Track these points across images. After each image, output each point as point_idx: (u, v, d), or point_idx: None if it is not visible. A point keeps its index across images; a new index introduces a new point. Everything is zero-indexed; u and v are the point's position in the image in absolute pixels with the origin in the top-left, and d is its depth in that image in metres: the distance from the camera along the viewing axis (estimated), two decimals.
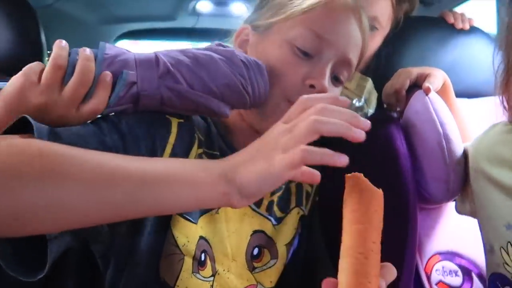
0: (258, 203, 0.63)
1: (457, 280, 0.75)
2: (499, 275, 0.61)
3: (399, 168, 0.65)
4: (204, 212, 0.56)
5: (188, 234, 0.54)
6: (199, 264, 0.55)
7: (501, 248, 0.59)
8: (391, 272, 0.41)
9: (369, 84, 0.92)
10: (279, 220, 0.65)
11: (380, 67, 0.91)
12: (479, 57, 0.89)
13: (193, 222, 0.54)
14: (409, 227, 0.64)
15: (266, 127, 0.45)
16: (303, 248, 0.68)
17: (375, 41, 0.92)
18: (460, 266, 0.77)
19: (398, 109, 0.75)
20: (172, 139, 0.53)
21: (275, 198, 0.65)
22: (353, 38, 0.61)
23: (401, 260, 0.64)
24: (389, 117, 0.72)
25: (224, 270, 0.58)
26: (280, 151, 0.40)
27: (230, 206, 0.42)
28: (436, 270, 0.76)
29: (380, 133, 0.70)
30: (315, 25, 0.59)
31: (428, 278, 0.75)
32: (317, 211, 0.70)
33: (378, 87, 0.85)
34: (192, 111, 0.55)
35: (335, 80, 0.62)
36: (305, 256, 0.68)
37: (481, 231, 0.65)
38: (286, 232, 0.65)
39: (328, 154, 0.40)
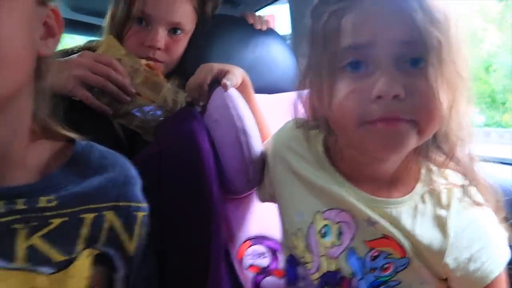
0: (9, 256, 0.44)
1: (265, 261, 0.82)
2: (293, 257, 0.67)
3: (201, 163, 0.67)
4: None
5: None
6: None
7: (292, 234, 0.64)
8: None
9: (181, 97, 0.87)
10: (61, 265, 0.47)
11: (187, 66, 0.92)
12: (275, 56, 0.99)
13: None
14: (214, 217, 0.66)
15: None
16: None
17: (180, 45, 0.94)
18: (268, 248, 0.83)
19: (201, 103, 0.77)
20: None
21: (36, 239, 0.46)
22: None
23: (208, 252, 0.66)
24: (192, 113, 0.73)
25: None
26: None
27: None
28: (248, 255, 0.81)
29: (183, 129, 0.71)
30: None
31: (240, 264, 0.80)
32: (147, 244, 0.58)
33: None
34: None
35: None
36: None
37: (279, 216, 0.70)
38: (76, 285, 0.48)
39: None
